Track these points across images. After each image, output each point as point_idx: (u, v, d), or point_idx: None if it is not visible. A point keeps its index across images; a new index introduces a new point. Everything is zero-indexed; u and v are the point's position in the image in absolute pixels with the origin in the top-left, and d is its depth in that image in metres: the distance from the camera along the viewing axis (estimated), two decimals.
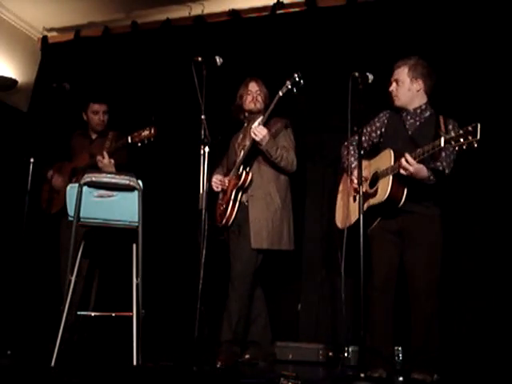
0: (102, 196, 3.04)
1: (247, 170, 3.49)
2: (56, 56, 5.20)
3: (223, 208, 3.54)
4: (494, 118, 3.62)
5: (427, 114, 3.19)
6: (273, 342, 3.67)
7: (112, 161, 3.70)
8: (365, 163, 3.17)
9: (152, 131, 3.49)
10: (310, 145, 4.30)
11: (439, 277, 3.06)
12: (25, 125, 4.78)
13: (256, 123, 3.46)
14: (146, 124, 3.54)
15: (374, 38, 4.13)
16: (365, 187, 3.09)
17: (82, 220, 3.03)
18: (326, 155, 4.20)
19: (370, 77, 3.06)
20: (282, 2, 4.54)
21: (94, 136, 4.09)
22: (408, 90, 3.19)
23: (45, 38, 5.28)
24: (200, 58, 3.12)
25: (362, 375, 2.69)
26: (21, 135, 4.61)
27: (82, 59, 5.01)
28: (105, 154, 3.70)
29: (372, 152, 3.32)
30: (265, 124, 3.47)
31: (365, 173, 3.06)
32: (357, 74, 3.02)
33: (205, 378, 2.79)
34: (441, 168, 2.99)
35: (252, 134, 3.40)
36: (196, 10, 4.78)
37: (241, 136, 3.72)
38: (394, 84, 3.22)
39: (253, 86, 3.66)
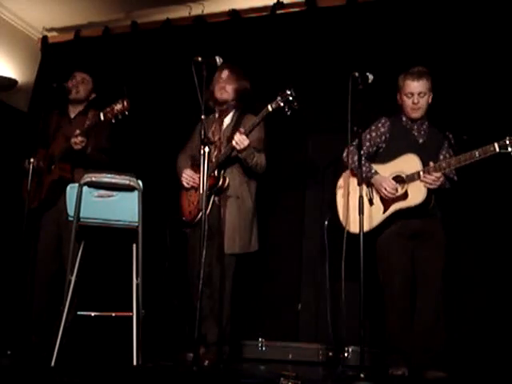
0: (101, 196, 3.04)
1: (222, 173, 3.39)
2: (56, 56, 5.20)
3: (194, 206, 3.45)
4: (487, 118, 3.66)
5: (426, 123, 3.30)
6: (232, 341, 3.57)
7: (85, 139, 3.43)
8: (381, 167, 3.27)
9: (125, 104, 3.23)
10: (310, 145, 4.31)
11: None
12: (25, 125, 4.78)
13: (239, 134, 3.32)
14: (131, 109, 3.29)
15: (374, 38, 4.13)
16: (394, 195, 3.18)
17: (81, 220, 3.03)
18: (326, 155, 4.19)
19: (370, 77, 3.06)
20: (282, 2, 4.55)
21: (72, 114, 3.79)
22: (428, 102, 3.27)
23: (45, 38, 5.29)
24: (200, 58, 3.11)
25: (362, 375, 2.69)
26: (21, 135, 4.61)
27: (81, 59, 5.01)
28: (78, 134, 3.39)
29: (372, 157, 3.37)
30: (238, 121, 3.44)
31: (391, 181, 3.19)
32: (357, 74, 3.03)
33: (205, 378, 2.79)
34: (456, 178, 3.17)
35: (233, 143, 3.28)
36: (196, 10, 4.78)
37: (212, 128, 3.55)
38: (416, 96, 3.22)
39: (224, 74, 3.53)
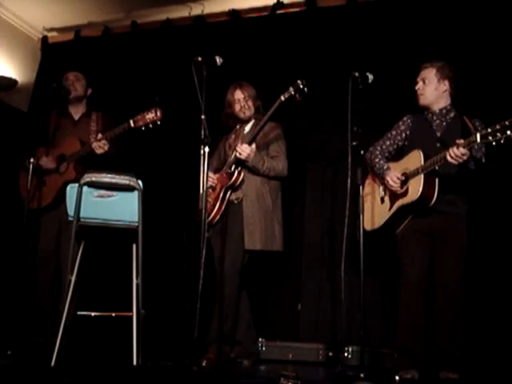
0: (101, 196, 3.04)
1: (239, 169, 3.46)
2: (56, 56, 5.19)
3: (210, 205, 3.49)
4: None
5: (452, 114, 3.25)
6: (256, 341, 3.71)
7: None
8: (393, 165, 3.28)
9: (158, 113, 3.24)
10: (310, 145, 4.31)
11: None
12: (25, 125, 4.77)
13: (240, 144, 3.44)
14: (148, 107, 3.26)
15: (374, 38, 4.14)
16: (397, 187, 3.18)
17: (81, 220, 3.02)
18: (326, 155, 4.20)
19: (370, 77, 3.07)
20: (282, 2, 4.55)
21: (76, 116, 3.84)
22: (435, 89, 3.24)
23: (45, 38, 5.29)
24: (200, 58, 3.12)
25: (362, 375, 2.69)
26: (21, 135, 4.61)
27: (82, 59, 5.00)
28: (101, 138, 3.43)
29: (396, 155, 3.37)
30: (260, 129, 3.48)
31: (395, 174, 3.20)
32: (357, 74, 3.03)
33: (205, 378, 2.79)
34: (478, 156, 3.03)
35: (237, 154, 3.41)
36: (196, 10, 4.78)
37: (233, 136, 3.69)
38: (420, 83, 3.27)
39: (238, 94, 3.61)
